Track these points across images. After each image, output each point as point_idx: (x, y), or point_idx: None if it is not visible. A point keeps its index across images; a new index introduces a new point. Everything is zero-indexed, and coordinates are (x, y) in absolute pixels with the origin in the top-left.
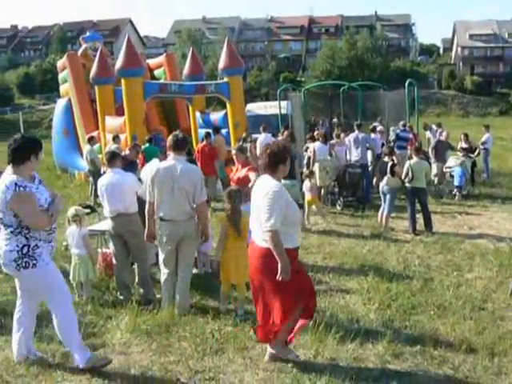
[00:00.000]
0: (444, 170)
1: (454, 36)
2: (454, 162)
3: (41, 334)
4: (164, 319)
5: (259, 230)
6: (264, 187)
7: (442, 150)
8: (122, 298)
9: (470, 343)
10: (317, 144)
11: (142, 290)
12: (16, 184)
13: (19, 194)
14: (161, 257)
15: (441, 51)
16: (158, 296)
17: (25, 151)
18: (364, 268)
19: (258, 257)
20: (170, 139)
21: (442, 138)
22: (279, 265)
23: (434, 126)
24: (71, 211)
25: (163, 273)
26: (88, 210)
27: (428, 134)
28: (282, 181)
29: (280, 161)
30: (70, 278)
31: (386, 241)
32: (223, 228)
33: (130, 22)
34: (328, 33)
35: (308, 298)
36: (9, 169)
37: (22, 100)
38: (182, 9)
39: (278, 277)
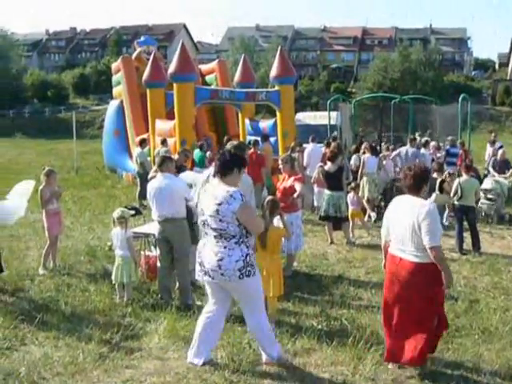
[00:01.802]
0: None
1: (511, 51)
2: (489, 183)
3: (79, 334)
4: None
5: (410, 246)
6: (415, 206)
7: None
8: (162, 301)
9: None
10: (366, 156)
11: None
12: (241, 194)
13: (246, 203)
14: None
15: (496, 66)
16: (199, 303)
17: (231, 165)
18: None
19: (409, 272)
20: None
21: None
22: (444, 278)
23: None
24: (117, 213)
25: None
26: (133, 212)
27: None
28: (328, 192)
29: (423, 182)
30: (112, 278)
31: None
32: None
33: (185, 27)
34: (381, 45)
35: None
36: (215, 180)
37: (77, 100)
38: (237, 16)
39: (444, 288)
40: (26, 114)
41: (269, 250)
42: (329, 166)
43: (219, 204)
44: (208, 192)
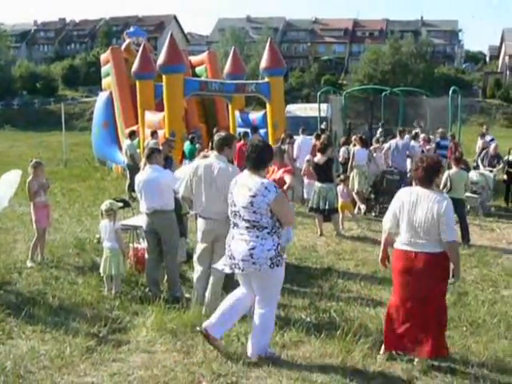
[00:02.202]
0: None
1: (502, 44)
2: (474, 176)
3: (67, 328)
4: (191, 319)
5: (427, 239)
6: (432, 199)
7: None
8: (150, 293)
9: (504, 364)
10: (356, 148)
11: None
12: (275, 186)
13: (280, 194)
14: (196, 254)
15: (487, 59)
16: (187, 295)
17: (261, 156)
18: None
19: (429, 264)
20: (214, 139)
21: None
22: (455, 270)
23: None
24: (105, 205)
25: (196, 270)
26: (121, 204)
27: (479, 142)
28: (319, 184)
29: (435, 174)
30: (101, 270)
31: None
32: None
33: (175, 18)
34: (372, 37)
35: None
36: (246, 173)
37: (66, 92)
38: (227, 7)
39: (450, 280)
40: (14, 106)
41: None
42: (318, 157)
43: (253, 196)
44: (240, 183)
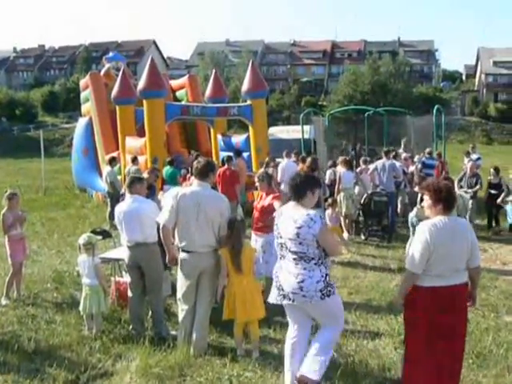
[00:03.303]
0: None
1: (477, 62)
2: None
3: (42, 376)
4: (178, 360)
5: (462, 270)
6: (462, 227)
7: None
8: (134, 332)
9: None
10: (342, 171)
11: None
12: (320, 216)
13: (325, 225)
14: (179, 291)
15: (463, 78)
16: (173, 332)
17: (304, 187)
18: (393, 306)
19: (462, 295)
20: (194, 165)
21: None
22: (472, 296)
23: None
24: (83, 238)
25: (181, 309)
26: (100, 238)
27: (466, 161)
28: None
29: (454, 200)
30: (80, 309)
31: None
32: (224, 261)
33: (154, 43)
34: (351, 58)
35: None
36: (291, 203)
37: (46, 118)
38: (206, 31)
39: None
40: None
41: (245, 272)
42: None
43: (299, 227)
44: (285, 215)
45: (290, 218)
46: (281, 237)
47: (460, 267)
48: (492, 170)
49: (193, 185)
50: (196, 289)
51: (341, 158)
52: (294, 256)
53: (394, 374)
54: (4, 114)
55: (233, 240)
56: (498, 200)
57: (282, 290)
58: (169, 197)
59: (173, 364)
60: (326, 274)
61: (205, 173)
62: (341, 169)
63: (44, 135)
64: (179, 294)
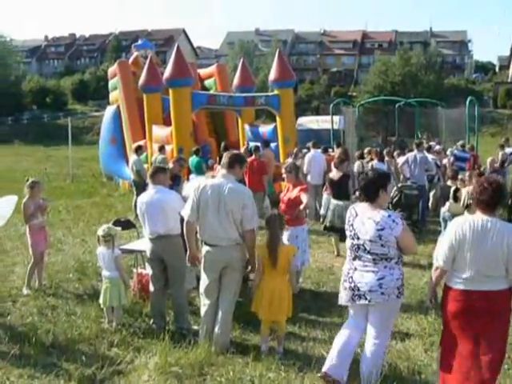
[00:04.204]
0: None
1: (511, 54)
2: None
3: (58, 371)
4: (199, 358)
5: (493, 275)
6: (499, 228)
7: None
8: (155, 326)
9: None
10: (374, 163)
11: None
12: (400, 217)
13: (406, 225)
14: (202, 286)
15: (497, 69)
16: (195, 327)
17: (375, 186)
18: (423, 304)
19: (494, 302)
20: (224, 156)
21: None
22: None
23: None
24: (103, 230)
25: (203, 304)
26: (119, 229)
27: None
28: (335, 201)
29: (503, 199)
30: (100, 301)
31: None
32: (259, 257)
33: (184, 32)
34: (381, 48)
35: None
36: (364, 204)
37: (76, 106)
38: (236, 21)
39: None
40: (24, 120)
41: (280, 270)
42: (333, 172)
43: (381, 229)
44: (362, 216)
45: (369, 219)
46: (358, 238)
47: (492, 273)
48: None
49: (217, 176)
50: (219, 283)
51: (367, 150)
52: (374, 257)
53: (424, 378)
54: (35, 101)
55: (269, 235)
56: None
57: (358, 289)
58: (191, 189)
59: (193, 362)
60: (402, 274)
61: (231, 164)
62: (373, 161)
63: (73, 123)
64: (201, 289)
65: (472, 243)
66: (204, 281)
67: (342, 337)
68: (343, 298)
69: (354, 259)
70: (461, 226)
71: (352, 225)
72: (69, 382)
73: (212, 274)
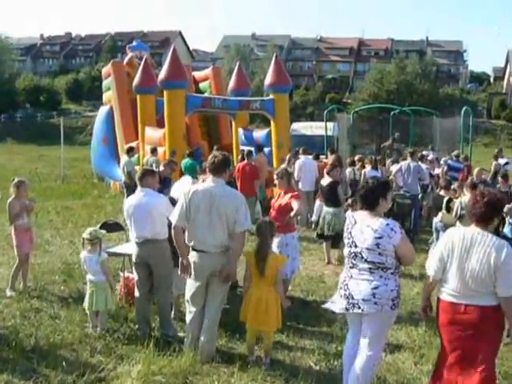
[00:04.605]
0: None
1: (506, 65)
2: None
3: (37, 378)
4: (183, 367)
5: (479, 290)
6: (487, 243)
7: None
8: (140, 332)
9: None
10: (367, 170)
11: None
12: (399, 226)
13: (405, 234)
14: (188, 293)
15: (491, 80)
16: (181, 334)
17: (375, 194)
18: (414, 315)
19: (482, 318)
20: (208, 160)
21: None
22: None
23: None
24: (88, 233)
25: (189, 311)
26: (104, 232)
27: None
28: (325, 208)
29: (496, 214)
30: (85, 306)
31: None
32: (247, 264)
33: (180, 34)
34: (377, 56)
35: None
36: (363, 212)
37: (70, 105)
38: (232, 24)
39: (506, 340)
40: (18, 118)
41: (268, 278)
42: (325, 179)
43: (380, 237)
44: (361, 223)
45: (368, 227)
46: (355, 246)
47: (479, 289)
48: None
49: (207, 181)
50: (206, 291)
51: (358, 157)
52: (371, 266)
53: None
54: (28, 100)
55: (259, 242)
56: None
57: (352, 298)
58: (181, 194)
59: (177, 370)
60: (399, 286)
61: (221, 169)
62: (365, 168)
63: (67, 123)
64: (187, 296)
65: (460, 256)
66: (190, 288)
67: (346, 355)
68: (338, 306)
69: (351, 267)
70: (451, 237)
71: (350, 232)
72: None
73: (199, 282)
